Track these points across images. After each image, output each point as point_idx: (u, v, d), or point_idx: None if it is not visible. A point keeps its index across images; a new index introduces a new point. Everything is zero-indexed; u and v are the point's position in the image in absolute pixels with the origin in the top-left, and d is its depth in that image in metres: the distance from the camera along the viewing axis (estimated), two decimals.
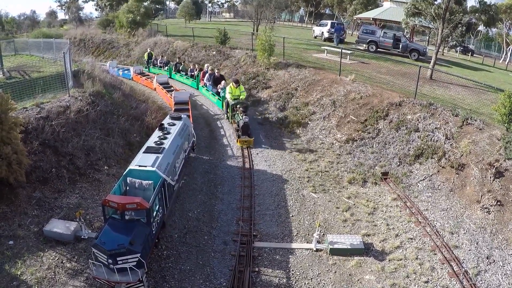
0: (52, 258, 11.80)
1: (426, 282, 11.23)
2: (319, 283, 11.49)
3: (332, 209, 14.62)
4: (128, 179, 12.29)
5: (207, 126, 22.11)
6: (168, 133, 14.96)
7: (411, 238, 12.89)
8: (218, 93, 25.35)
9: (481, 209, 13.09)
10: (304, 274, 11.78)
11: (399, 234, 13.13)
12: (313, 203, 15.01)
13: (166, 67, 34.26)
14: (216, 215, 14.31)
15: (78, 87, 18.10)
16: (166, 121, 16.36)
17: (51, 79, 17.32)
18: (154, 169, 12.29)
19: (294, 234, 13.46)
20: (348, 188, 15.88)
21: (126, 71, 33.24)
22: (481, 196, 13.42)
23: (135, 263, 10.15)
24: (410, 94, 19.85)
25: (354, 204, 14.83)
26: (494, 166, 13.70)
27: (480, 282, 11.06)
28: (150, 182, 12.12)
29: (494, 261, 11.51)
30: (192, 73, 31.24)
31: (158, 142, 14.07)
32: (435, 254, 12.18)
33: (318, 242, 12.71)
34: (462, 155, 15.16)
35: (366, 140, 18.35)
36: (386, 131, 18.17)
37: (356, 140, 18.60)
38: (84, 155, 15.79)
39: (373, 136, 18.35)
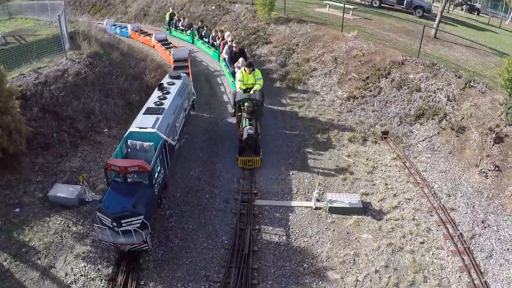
0: (58, 222, 12.09)
1: (422, 243, 11.55)
2: (317, 241, 11.80)
3: (331, 167, 14.79)
4: (129, 141, 12.35)
5: (207, 82, 21.93)
6: (168, 93, 14.88)
7: (408, 199, 13.13)
8: (234, 73, 19.19)
9: (479, 173, 13.26)
10: (304, 232, 12.08)
11: (397, 194, 13.36)
12: (313, 161, 15.16)
13: (189, 31, 29.69)
14: (217, 173, 14.49)
15: (75, 49, 17.81)
16: (166, 80, 16.22)
17: (47, 43, 16.94)
18: (154, 130, 12.33)
19: (294, 192, 13.69)
20: (348, 147, 15.98)
21: (124, 29, 32.21)
22: (480, 160, 13.55)
23: (139, 224, 10.40)
24: (413, 53, 19.61)
25: (354, 163, 14.98)
26: (494, 131, 13.75)
27: (474, 245, 11.35)
28: (151, 143, 12.19)
29: (489, 225, 11.78)
30: (214, 41, 25.74)
31: (158, 103, 14.02)
32: (432, 215, 12.46)
33: (318, 200, 12.94)
34: (463, 118, 15.17)
35: (367, 98, 18.28)
36: (388, 89, 18.08)
37: (357, 98, 18.52)
38: (84, 118, 15.80)
39: (375, 94, 18.27)
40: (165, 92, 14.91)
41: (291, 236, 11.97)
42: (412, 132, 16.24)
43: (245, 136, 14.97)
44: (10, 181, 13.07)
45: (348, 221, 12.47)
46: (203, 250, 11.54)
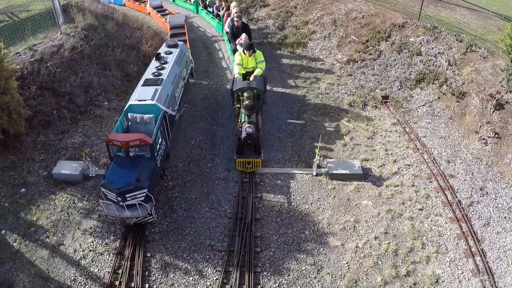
0: (64, 200, 12.30)
1: (421, 209, 11.77)
2: (318, 208, 12.02)
3: (332, 133, 14.85)
4: (129, 114, 12.39)
5: (205, 49, 21.65)
6: (165, 62, 14.77)
7: (408, 165, 13.25)
8: (235, 51, 17.16)
9: (478, 140, 13.32)
10: (305, 199, 12.29)
11: (397, 160, 13.48)
12: (313, 127, 15.21)
13: (192, 0, 27.60)
14: (218, 142, 14.57)
15: (69, 23, 17.52)
16: (163, 49, 16.04)
17: (41, 18, 16.58)
18: (154, 102, 12.34)
19: (295, 159, 13.81)
20: (348, 111, 15.97)
21: None
22: (480, 127, 13.58)
23: (143, 198, 10.61)
24: (414, 15, 19.21)
25: (354, 128, 15.02)
26: (495, 97, 13.70)
27: (472, 213, 11.55)
28: (151, 115, 12.25)
29: (487, 193, 11.95)
30: (218, 12, 23.58)
31: (156, 74, 13.95)
32: (431, 182, 12.61)
33: (318, 167, 13.05)
34: (463, 83, 15.09)
35: (367, 62, 18.11)
36: (388, 53, 17.88)
37: (357, 61, 18.34)
38: (83, 92, 15.76)
39: (375, 57, 18.09)
40: (162, 62, 14.79)
41: (292, 203, 12.19)
42: (412, 97, 16.20)
43: (243, 135, 13.08)
44: (13, 162, 13.26)
45: (349, 187, 12.65)
46: (207, 219, 11.80)
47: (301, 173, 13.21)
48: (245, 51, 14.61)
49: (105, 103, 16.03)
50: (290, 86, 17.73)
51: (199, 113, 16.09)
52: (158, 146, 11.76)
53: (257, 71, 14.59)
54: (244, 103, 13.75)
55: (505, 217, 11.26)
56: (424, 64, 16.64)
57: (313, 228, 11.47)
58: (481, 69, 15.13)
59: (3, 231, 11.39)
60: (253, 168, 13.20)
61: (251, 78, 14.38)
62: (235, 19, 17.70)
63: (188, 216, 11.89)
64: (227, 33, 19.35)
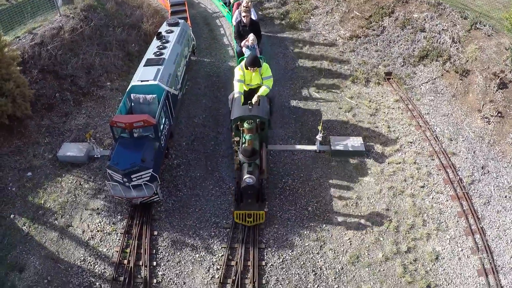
0: (70, 182, 12.48)
1: (422, 187, 11.93)
2: (321, 185, 12.19)
3: (334, 110, 14.90)
4: (132, 95, 12.46)
5: (206, 25, 21.39)
6: (167, 41, 14.69)
7: (410, 142, 13.34)
8: (241, 53, 14.87)
9: (481, 119, 13.37)
10: (308, 176, 12.43)
11: (399, 137, 13.56)
12: (316, 103, 15.24)
13: None
14: (221, 119, 14.62)
15: (68, 4, 17.26)
16: (164, 28, 15.93)
17: (39, 1, 16.21)
18: (156, 82, 12.39)
19: (298, 136, 13.90)
20: (351, 88, 15.97)
21: None
22: (483, 105, 13.60)
23: (148, 178, 10.79)
24: None
25: (357, 105, 15.06)
26: (499, 76, 13.64)
27: (473, 191, 11.70)
28: (153, 96, 12.31)
29: (489, 172, 12.09)
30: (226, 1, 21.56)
31: (158, 53, 13.92)
32: (433, 159, 12.71)
33: (321, 143, 13.13)
34: (467, 60, 15.02)
35: (370, 38, 17.95)
36: (391, 29, 17.70)
37: (360, 37, 18.18)
38: (84, 74, 15.77)
39: (378, 33, 17.93)
40: (164, 41, 14.72)
41: (295, 180, 12.35)
42: (415, 74, 16.16)
43: (243, 184, 10.70)
44: (19, 147, 13.41)
45: (351, 164, 12.77)
46: (212, 197, 11.99)
47: (304, 150, 13.29)
48: (250, 68, 11.98)
49: (108, 84, 16.04)
50: (292, 62, 17.61)
51: (201, 91, 16.10)
52: (161, 126, 11.87)
53: (262, 90, 12.00)
54: (242, 147, 11.11)
55: (505, 196, 11.44)
56: (427, 41, 16.52)
57: (316, 204, 11.66)
58: (485, 47, 15.02)
59: (12, 215, 11.61)
60: (254, 221, 10.96)
61: (254, 99, 11.76)
62: (243, 13, 14.74)
63: (193, 194, 12.07)
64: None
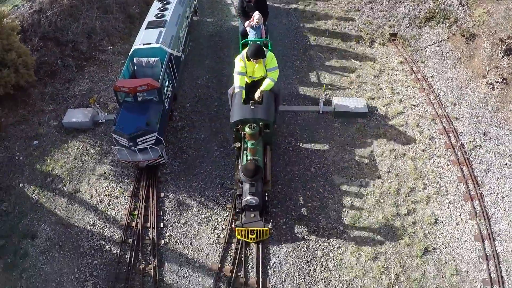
0: (76, 147, 12.65)
1: (424, 150, 12.09)
2: (324, 146, 12.34)
3: (338, 70, 14.83)
4: (135, 59, 12.42)
5: None
6: (168, 3, 14.45)
7: (414, 105, 13.40)
8: (245, 34, 13.62)
9: (486, 84, 13.38)
10: (311, 137, 12.57)
11: (402, 100, 13.60)
12: (320, 64, 15.14)
13: None
14: (225, 80, 14.56)
15: None
16: None
17: None
18: (159, 45, 12.33)
19: (301, 97, 13.91)
20: (355, 48, 15.84)
21: None
22: (488, 71, 13.57)
23: (153, 141, 10.97)
24: None
25: (361, 65, 14.99)
26: (505, 42, 13.49)
27: (474, 157, 11.86)
28: (156, 58, 12.27)
29: (491, 138, 12.21)
30: None
31: (159, 15, 13.72)
32: (435, 123, 12.81)
33: (324, 104, 13.21)
34: (474, 24, 14.82)
35: None
36: None
37: None
38: (86, 39, 15.61)
39: None
40: (165, 2, 14.48)
41: (298, 141, 12.49)
42: (421, 36, 15.97)
43: (244, 203, 9.79)
44: (24, 116, 13.50)
45: (354, 125, 12.88)
46: (216, 158, 12.17)
47: (307, 111, 13.36)
48: (253, 60, 10.43)
49: (109, 48, 15.91)
50: (296, 22, 17.35)
51: (204, 52, 15.94)
52: (165, 89, 11.92)
53: (266, 84, 10.66)
54: (242, 165, 9.81)
55: (506, 164, 11.62)
56: (434, 2, 16.23)
57: (318, 165, 11.85)
58: (493, 11, 14.79)
59: (21, 184, 11.83)
60: (258, 238, 9.90)
61: (257, 95, 10.60)
62: None
63: (198, 155, 12.26)
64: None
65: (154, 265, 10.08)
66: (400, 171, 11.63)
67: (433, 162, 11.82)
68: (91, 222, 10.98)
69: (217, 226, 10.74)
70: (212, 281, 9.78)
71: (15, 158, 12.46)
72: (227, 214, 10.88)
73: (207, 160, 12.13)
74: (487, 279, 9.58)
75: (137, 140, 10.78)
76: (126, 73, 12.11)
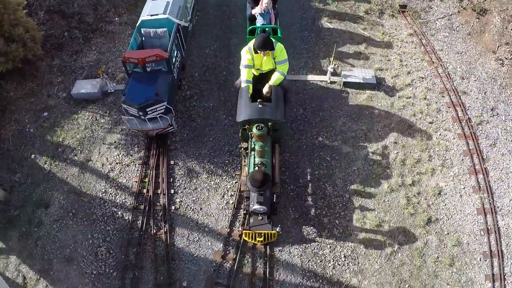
0: (86, 118, 12.83)
1: (431, 123, 12.23)
2: (331, 115, 12.53)
3: (347, 41, 14.81)
4: (142, 30, 12.48)
5: None
6: None
7: (422, 77, 13.45)
8: (253, 18, 12.89)
9: (495, 60, 13.41)
10: (319, 106, 12.71)
11: (411, 72, 13.65)
12: (328, 34, 15.11)
13: None
14: (233, 49, 14.58)
15: None
16: None
17: None
18: (166, 16, 12.39)
19: (310, 66, 13.97)
20: (364, 19, 15.74)
21: None
22: (498, 46, 13.57)
23: (163, 110, 11.15)
24: None
25: (370, 37, 14.94)
26: None
27: (480, 131, 12.00)
28: (164, 29, 12.33)
29: (498, 114, 12.33)
30: None
31: None
32: (443, 96, 12.89)
33: (333, 74, 13.29)
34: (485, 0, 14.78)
35: None
36: None
37: None
38: (92, 10, 15.57)
39: None
40: None
41: (307, 110, 12.66)
42: (431, 8, 15.85)
43: (250, 208, 9.29)
44: (32, 89, 13.63)
45: (362, 96, 12.99)
46: (225, 126, 12.37)
47: (315, 81, 13.46)
48: (260, 52, 9.65)
49: (116, 19, 15.87)
50: None
51: (211, 21, 15.86)
52: (173, 59, 12.03)
53: (275, 78, 9.92)
54: (249, 174, 8.99)
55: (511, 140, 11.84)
56: None
57: (326, 134, 12.07)
58: None
59: (32, 156, 12.09)
60: (266, 240, 9.73)
61: (265, 90, 9.91)
62: None
63: (206, 124, 12.46)
64: None
65: (165, 230, 10.46)
66: (406, 142, 11.82)
67: (440, 135, 11.98)
68: (103, 190, 11.28)
69: (226, 192, 11.05)
70: (222, 245, 10.16)
71: (25, 131, 12.67)
72: (236, 180, 11.16)
73: (216, 128, 12.33)
74: (487, 252, 9.91)
75: (147, 109, 10.97)
76: (134, 44, 12.19)
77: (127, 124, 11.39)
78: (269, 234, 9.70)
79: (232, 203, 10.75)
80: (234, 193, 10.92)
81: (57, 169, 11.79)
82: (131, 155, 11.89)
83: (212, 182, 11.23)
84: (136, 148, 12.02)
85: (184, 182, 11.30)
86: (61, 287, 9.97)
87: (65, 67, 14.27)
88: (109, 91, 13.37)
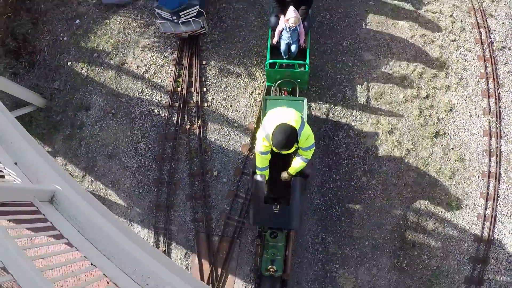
0: (118, 22, 12.98)
1: (453, 41, 12.40)
2: (357, 22, 12.66)
3: None
4: None
5: None
6: None
7: None
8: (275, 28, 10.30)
9: None
10: (345, 12, 12.81)
11: None
12: None
13: None
14: None
15: None
16: None
17: None
18: None
19: None
20: None
21: None
22: None
23: (195, 13, 11.49)
24: None
25: None
26: None
27: (501, 57, 12.06)
28: None
29: None
30: None
31: None
32: (469, 16, 12.75)
33: None
34: None
35: None
36: None
37: None
38: None
39: None
40: None
41: (333, 16, 12.75)
42: None
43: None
44: None
45: (388, 5, 12.93)
46: (254, 28, 12.67)
47: None
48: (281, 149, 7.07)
49: None
50: None
51: None
52: None
53: (297, 166, 7.80)
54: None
55: None
56: None
57: (350, 41, 12.39)
58: None
59: (69, 63, 12.55)
60: None
61: (284, 175, 8.24)
62: None
63: (236, 25, 12.76)
64: None
65: (198, 125, 11.56)
66: (426, 57, 12.10)
67: (460, 53, 12.20)
68: (140, 90, 12.06)
69: (254, 91, 11.89)
70: (249, 139, 11.34)
71: (59, 40, 12.95)
72: (263, 80, 11.88)
73: (245, 29, 12.66)
74: (485, 172, 10.84)
75: (180, 13, 11.28)
76: None
77: (160, 27, 11.76)
78: None
79: (260, 101, 11.58)
80: (262, 92, 11.76)
81: (94, 74, 12.40)
82: (164, 57, 12.44)
83: (241, 82, 12.00)
84: (169, 50, 12.51)
85: (215, 81, 12.07)
86: (105, 180, 11.31)
87: None
88: None
